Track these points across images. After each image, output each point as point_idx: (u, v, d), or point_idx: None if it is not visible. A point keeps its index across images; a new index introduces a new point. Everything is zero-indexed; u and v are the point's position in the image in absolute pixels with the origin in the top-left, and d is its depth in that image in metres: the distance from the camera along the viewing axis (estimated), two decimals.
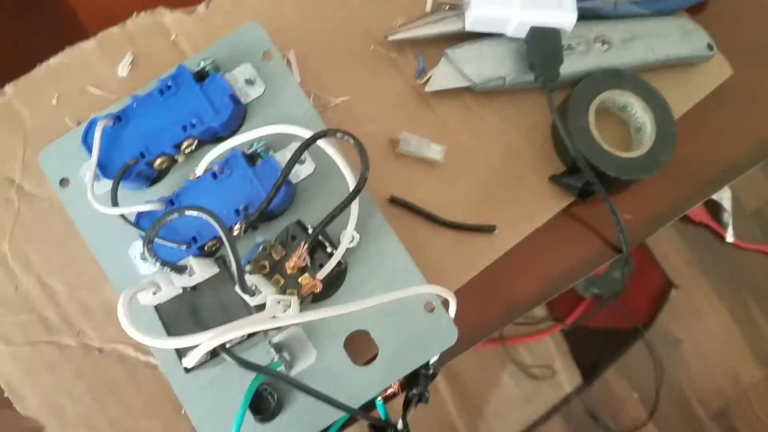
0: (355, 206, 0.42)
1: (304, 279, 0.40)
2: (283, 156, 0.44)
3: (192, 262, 0.37)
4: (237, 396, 0.38)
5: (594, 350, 1.32)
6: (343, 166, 0.42)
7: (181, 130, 0.43)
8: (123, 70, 0.48)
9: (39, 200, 0.47)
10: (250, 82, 0.45)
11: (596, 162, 0.48)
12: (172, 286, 0.37)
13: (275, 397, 0.43)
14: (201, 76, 0.44)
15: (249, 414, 0.42)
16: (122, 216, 0.42)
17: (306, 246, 0.40)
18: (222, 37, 0.46)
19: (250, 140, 0.43)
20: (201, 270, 0.37)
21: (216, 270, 0.39)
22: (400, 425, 0.44)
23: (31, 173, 0.47)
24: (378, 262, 0.44)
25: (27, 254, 0.46)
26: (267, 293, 0.38)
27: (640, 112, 0.50)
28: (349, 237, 0.42)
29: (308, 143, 0.40)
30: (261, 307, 0.38)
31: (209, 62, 0.44)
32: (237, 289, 0.37)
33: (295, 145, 0.44)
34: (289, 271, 0.40)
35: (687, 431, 1.33)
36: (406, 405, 0.46)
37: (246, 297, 0.38)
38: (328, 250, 0.41)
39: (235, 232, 0.41)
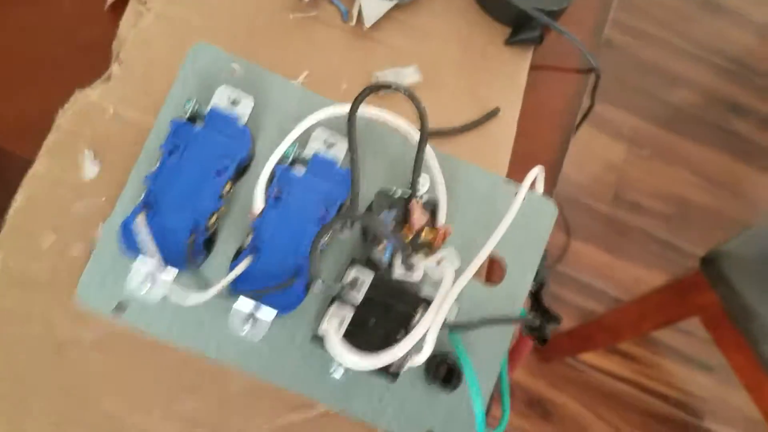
0: (429, 152, 0.41)
1: (427, 234, 0.39)
2: (314, 148, 0.41)
3: (360, 272, 0.35)
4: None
5: None
6: (394, 118, 0.41)
7: (216, 177, 0.39)
8: (90, 169, 0.42)
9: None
10: (235, 102, 0.42)
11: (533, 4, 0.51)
12: (348, 307, 0.35)
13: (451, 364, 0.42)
14: (194, 120, 0.40)
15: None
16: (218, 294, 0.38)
17: (420, 203, 0.39)
18: (179, 73, 0.42)
19: (284, 151, 0.40)
20: (366, 278, 0.35)
21: (371, 276, 0.37)
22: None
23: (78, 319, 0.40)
24: (465, 189, 0.43)
25: None
26: (419, 263, 0.37)
27: None
28: (440, 178, 0.41)
29: (364, 96, 0.38)
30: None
31: (194, 102, 0.40)
32: (398, 275, 0.36)
33: (320, 132, 0.41)
34: (409, 235, 0.39)
35: (599, 225, 1.47)
36: (536, 297, 0.47)
37: (409, 276, 0.36)
38: (423, 198, 0.40)
39: (346, 233, 0.39)
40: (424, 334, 0.33)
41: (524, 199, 0.44)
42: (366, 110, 0.40)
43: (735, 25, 1.73)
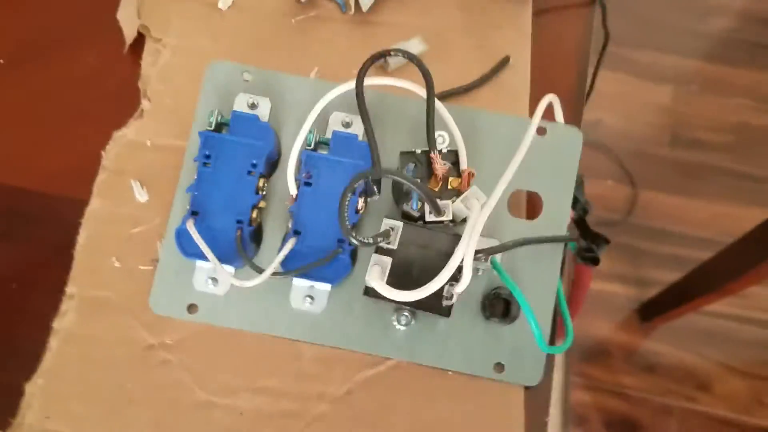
0: (442, 107, 0.43)
1: (453, 181, 0.41)
2: (333, 127, 0.44)
3: (391, 223, 0.37)
4: None
5: None
6: (401, 82, 0.43)
7: (249, 177, 0.43)
8: (141, 195, 0.46)
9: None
10: (254, 105, 0.45)
11: None
12: (386, 257, 0.38)
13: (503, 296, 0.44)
14: (220, 128, 0.44)
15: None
16: (276, 274, 0.41)
17: (437, 156, 0.41)
18: (200, 94, 0.45)
19: (305, 137, 0.43)
20: (397, 227, 0.38)
21: (400, 224, 0.39)
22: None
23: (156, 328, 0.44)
24: (487, 136, 0.45)
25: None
26: (448, 205, 0.39)
27: None
28: (454, 126, 0.43)
29: (367, 65, 0.41)
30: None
31: (216, 113, 0.43)
32: (430, 219, 0.38)
33: (336, 116, 0.44)
34: (437, 186, 0.41)
35: (664, 170, 1.44)
36: (581, 223, 0.48)
37: (441, 218, 0.39)
38: (444, 148, 0.43)
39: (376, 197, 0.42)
40: (461, 262, 0.36)
41: (546, 131, 0.46)
42: (373, 81, 0.43)
43: None
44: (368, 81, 0.42)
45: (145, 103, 0.48)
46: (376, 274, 0.37)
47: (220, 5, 0.52)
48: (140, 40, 0.51)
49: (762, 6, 1.61)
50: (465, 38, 0.53)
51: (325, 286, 0.44)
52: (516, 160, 0.39)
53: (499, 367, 0.44)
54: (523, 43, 0.53)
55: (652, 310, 1.32)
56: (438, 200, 0.40)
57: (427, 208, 0.40)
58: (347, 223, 0.37)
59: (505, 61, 0.52)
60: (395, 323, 0.43)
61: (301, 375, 0.44)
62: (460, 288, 0.37)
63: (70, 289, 0.44)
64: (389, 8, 0.53)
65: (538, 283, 0.44)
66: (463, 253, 0.36)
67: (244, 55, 0.50)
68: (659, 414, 1.30)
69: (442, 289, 0.38)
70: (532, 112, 0.48)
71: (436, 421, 0.43)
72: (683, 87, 1.54)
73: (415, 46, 0.51)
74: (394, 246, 0.38)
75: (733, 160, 1.47)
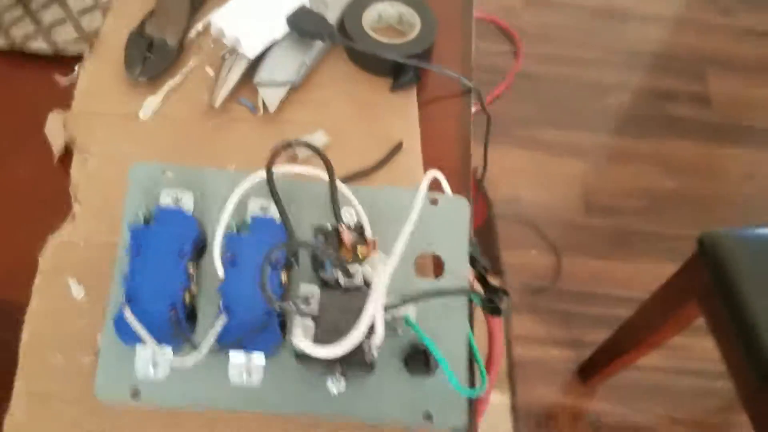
0: (344, 188, 0.49)
1: (362, 250, 0.46)
2: (252, 215, 0.49)
3: (308, 288, 0.42)
4: None
5: None
6: (305, 168, 0.49)
7: (179, 260, 0.47)
8: (78, 292, 0.50)
9: None
10: (177, 199, 0.50)
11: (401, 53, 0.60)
12: (308, 318, 0.42)
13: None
14: (147, 221, 0.48)
15: None
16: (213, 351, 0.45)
17: (345, 228, 0.46)
18: (127, 194, 0.50)
19: (227, 223, 0.47)
20: (314, 291, 0.42)
21: (316, 288, 0.44)
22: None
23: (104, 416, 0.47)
24: (388, 208, 0.51)
25: None
26: (358, 270, 0.44)
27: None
28: (356, 201, 0.49)
29: (275, 154, 0.46)
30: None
31: (143, 209, 0.48)
32: (344, 283, 0.43)
33: (254, 202, 0.49)
34: (349, 255, 0.46)
35: (582, 236, 1.52)
36: (482, 279, 0.53)
37: (352, 282, 0.44)
38: (352, 223, 0.48)
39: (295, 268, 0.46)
40: (373, 317, 0.40)
41: (438, 201, 0.51)
42: (285, 169, 0.48)
43: (632, 23, 1.86)
44: (280, 169, 0.48)
45: (76, 207, 0.53)
46: (300, 334, 0.41)
47: (140, 115, 0.57)
48: (69, 150, 0.56)
49: (654, 83, 1.76)
50: (360, 130, 0.60)
51: (260, 360, 0.47)
52: (409, 224, 0.44)
53: (428, 415, 0.48)
54: (413, 129, 0.60)
55: (590, 371, 1.38)
56: (348, 266, 0.44)
57: (338, 271, 0.44)
58: (268, 290, 0.41)
59: (398, 147, 0.58)
60: (329, 385, 0.47)
61: None
62: (376, 340, 0.41)
63: (17, 386, 0.47)
64: (293, 108, 0.60)
65: (450, 335, 0.49)
66: (374, 307, 0.40)
67: (167, 157, 0.55)
68: None
69: (362, 346, 0.42)
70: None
71: None
72: (592, 159, 1.65)
73: (319, 138, 0.57)
74: (315, 309, 0.42)
75: (645, 222, 1.57)
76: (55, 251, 0.51)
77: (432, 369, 0.48)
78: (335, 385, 0.46)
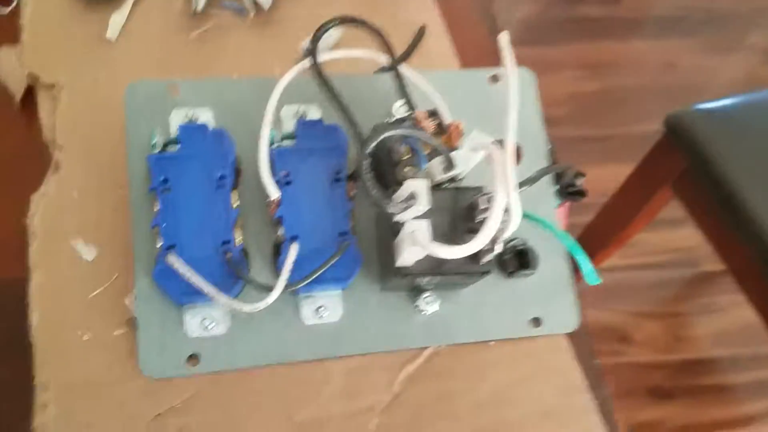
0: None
1: (444, 138, 0.38)
2: (291, 123, 0.40)
3: (414, 185, 0.33)
4: None
5: None
6: (358, 50, 0.40)
7: (219, 192, 0.37)
8: (88, 253, 0.39)
9: None
10: (193, 119, 0.40)
11: None
12: (420, 219, 0.34)
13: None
14: (166, 147, 0.38)
15: None
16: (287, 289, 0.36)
17: (423, 115, 0.38)
18: (126, 121, 0.39)
19: (268, 137, 0.38)
20: (421, 186, 0.34)
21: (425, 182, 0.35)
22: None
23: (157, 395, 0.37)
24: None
25: None
26: (460, 156, 0.36)
27: None
28: (425, 82, 0.40)
29: (318, 37, 0.37)
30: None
31: (156, 134, 0.38)
32: (440, 179, 0.35)
33: (287, 110, 0.40)
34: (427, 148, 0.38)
35: None
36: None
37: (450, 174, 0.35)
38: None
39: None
40: (507, 200, 0.32)
41: (499, 77, 0.44)
42: (329, 56, 0.39)
43: None
44: (325, 56, 0.39)
45: (57, 154, 0.42)
46: (423, 236, 0.32)
47: (108, 36, 0.46)
48: (31, 92, 0.44)
49: None
50: (375, 18, 0.50)
51: (335, 292, 0.39)
52: (513, 106, 0.36)
53: (536, 321, 0.41)
54: (430, 9, 0.51)
55: None
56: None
57: (437, 163, 0.36)
58: (375, 192, 0.32)
59: (422, 31, 0.50)
60: (422, 307, 0.39)
61: (338, 395, 0.38)
62: (512, 228, 0.33)
63: (40, 378, 0.36)
64: (288, 4, 0.50)
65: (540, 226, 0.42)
66: (506, 193, 0.32)
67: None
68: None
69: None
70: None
71: (495, 394, 0.39)
72: None
73: (333, 34, 0.48)
74: (427, 206, 0.33)
75: (575, 128, 1.55)
76: (45, 211, 0.40)
77: (534, 266, 0.41)
78: (428, 305, 0.39)
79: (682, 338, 1.37)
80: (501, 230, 0.33)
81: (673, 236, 1.46)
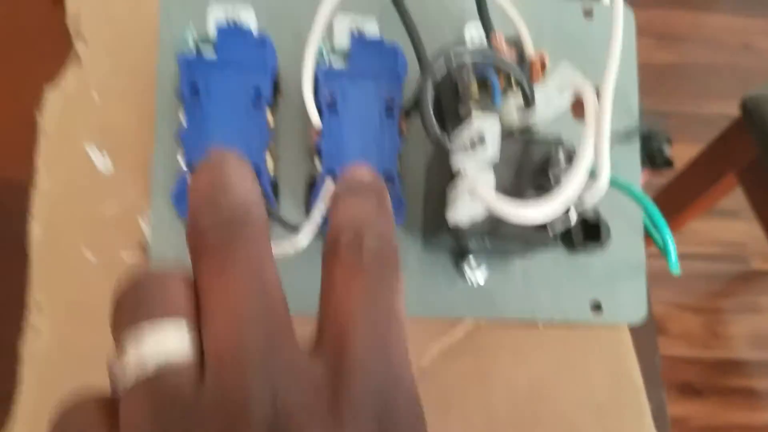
0: None
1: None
2: (344, 37, 0.35)
3: (481, 124, 0.28)
4: None
5: None
6: None
7: (254, 110, 0.32)
8: (104, 164, 0.35)
9: None
10: (232, 17, 0.34)
11: None
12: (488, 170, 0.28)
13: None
14: (199, 48, 0.33)
15: None
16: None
17: (501, 39, 0.32)
18: (160, 14, 0.34)
19: (315, 54, 0.33)
20: (491, 126, 0.28)
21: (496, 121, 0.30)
22: None
23: None
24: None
25: None
26: (542, 96, 0.30)
27: None
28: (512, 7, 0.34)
29: None
30: None
31: (193, 32, 0.33)
32: (516, 119, 0.29)
33: (341, 20, 0.35)
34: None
35: None
36: None
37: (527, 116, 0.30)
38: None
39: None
40: (591, 160, 0.27)
41: (593, 13, 0.38)
42: None
43: None
44: None
45: (79, 46, 0.37)
46: (485, 191, 0.27)
47: None
48: None
49: None
50: None
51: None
52: (616, 41, 0.30)
53: (597, 306, 0.35)
54: None
55: None
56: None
57: (511, 101, 0.30)
58: (434, 126, 0.27)
59: None
60: (468, 273, 0.34)
61: None
62: (599, 189, 0.28)
63: (35, 297, 0.32)
64: None
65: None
66: (595, 145, 0.26)
67: None
68: None
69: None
70: None
71: (540, 381, 0.34)
72: None
73: None
74: (496, 152, 0.28)
75: (641, 98, 1.47)
76: (61, 108, 0.35)
77: (603, 242, 0.35)
78: (474, 274, 0.34)
79: (720, 335, 1.31)
80: (582, 195, 0.27)
81: (726, 228, 1.38)
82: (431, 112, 0.27)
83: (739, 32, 1.56)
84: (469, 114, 0.29)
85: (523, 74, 0.29)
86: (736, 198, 1.05)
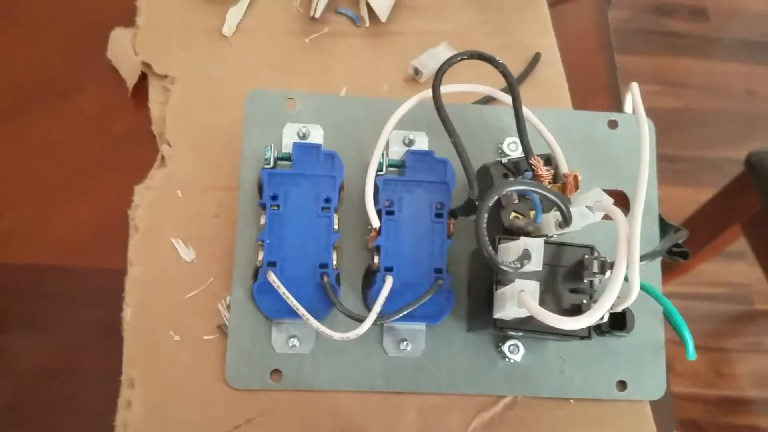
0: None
1: (553, 187, 0.37)
2: (397, 151, 0.40)
3: (528, 242, 0.33)
4: None
5: None
6: (484, 88, 0.40)
7: (323, 214, 0.37)
8: (187, 254, 0.40)
9: None
10: (304, 135, 0.40)
11: None
12: (528, 280, 0.33)
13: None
14: (275, 164, 0.38)
15: None
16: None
17: (541, 161, 0.37)
18: (245, 124, 0.40)
19: (378, 162, 0.38)
20: (536, 246, 0.33)
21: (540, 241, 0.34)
22: None
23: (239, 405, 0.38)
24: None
25: None
26: (574, 212, 0.35)
27: None
28: (543, 126, 0.39)
29: (443, 71, 0.37)
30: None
31: (273, 148, 0.38)
32: (553, 234, 0.34)
33: (395, 135, 0.40)
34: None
35: None
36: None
37: (562, 231, 0.35)
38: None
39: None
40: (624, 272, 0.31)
41: (618, 123, 0.43)
42: (446, 89, 0.38)
43: None
44: (442, 89, 0.38)
45: (164, 149, 0.42)
46: (530, 301, 0.32)
47: (224, 31, 0.46)
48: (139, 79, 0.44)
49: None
50: (489, 38, 0.49)
51: (419, 326, 0.39)
52: (645, 162, 0.35)
53: (622, 384, 0.40)
54: (548, 35, 0.50)
55: None
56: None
57: (551, 218, 0.35)
58: (488, 247, 0.32)
59: (536, 59, 0.49)
60: (508, 355, 0.39)
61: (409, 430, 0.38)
62: (627, 301, 0.33)
63: (127, 374, 0.37)
64: (404, 17, 0.49)
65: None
66: (626, 261, 0.31)
67: (260, 81, 0.44)
68: None
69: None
70: (575, 105, 0.46)
71: None
72: None
73: (443, 52, 0.47)
74: (538, 267, 0.33)
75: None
76: (149, 205, 0.40)
77: (630, 329, 0.40)
78: (513, 353, 0.39)
79: (724, 374, 1.35)
80: (614, 304, 0.32)
81: (730, 269, 1.42)
82: (486, 237, 0.32)
83: (744, 79, 1.61)
84: (509, 225, 0.35)
85: (563, 201, 0.33)
86: (741, 240, 1.09)
